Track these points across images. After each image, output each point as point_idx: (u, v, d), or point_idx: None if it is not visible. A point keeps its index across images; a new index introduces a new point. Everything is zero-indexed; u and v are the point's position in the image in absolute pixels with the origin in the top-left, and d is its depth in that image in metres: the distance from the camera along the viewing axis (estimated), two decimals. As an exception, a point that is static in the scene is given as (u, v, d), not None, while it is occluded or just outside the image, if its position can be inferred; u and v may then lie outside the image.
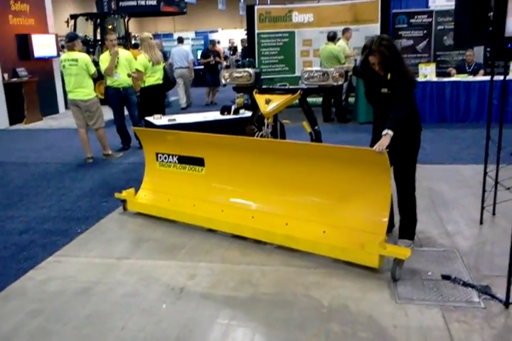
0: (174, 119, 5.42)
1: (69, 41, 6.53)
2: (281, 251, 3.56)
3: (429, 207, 4.37)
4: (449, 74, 8.74)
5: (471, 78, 8.50)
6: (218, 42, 16.16)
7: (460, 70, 8.81)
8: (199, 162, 4.21)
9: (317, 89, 4.33)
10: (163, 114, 6.36)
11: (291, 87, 4.49)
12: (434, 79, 8.51)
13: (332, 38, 9.01)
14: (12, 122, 10.09)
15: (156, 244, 3.86)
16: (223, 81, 4.71)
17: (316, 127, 4.37)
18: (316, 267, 3.32)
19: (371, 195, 3.29)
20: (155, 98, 7.03)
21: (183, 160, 4.32)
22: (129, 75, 6.90)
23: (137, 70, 6.88)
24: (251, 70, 4.57)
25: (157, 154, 4.50)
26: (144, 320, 2.79)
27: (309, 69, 4.30)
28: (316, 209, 3.56)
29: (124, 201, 4.56)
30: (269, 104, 4.18)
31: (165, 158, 4.45)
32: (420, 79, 8.52)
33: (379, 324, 2.65)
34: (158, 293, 3.08)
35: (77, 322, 2.80)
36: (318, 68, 4.47)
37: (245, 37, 13.85)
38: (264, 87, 4.60)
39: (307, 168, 3.58)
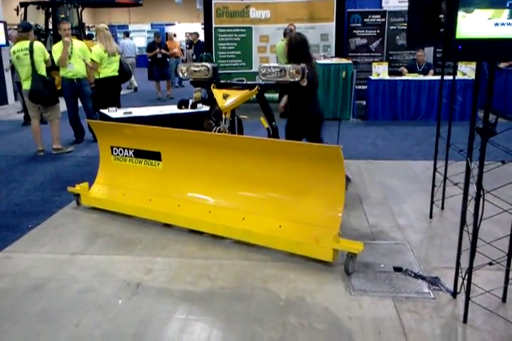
0: (130, 112, 5.34)
1: (23, 31, 6.32)
2: (239, 245, 3.58)
3: (381, 201, 4.50)
4: (400, 74, 8.99)
5: (421, 77, 8.79)
6: (174, 35, 15.93)
7: (411, 70, 9.09)
8: (156, 156, 4.16)
9: (274, 85, 4.37)
10: (119, 106, 6.25)
11: (248, 82, 4.50)
12: (387, 77, 8.74)
13: (286, 34, 9.06)
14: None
15: (111, 239, 3.79)
16: (181, 75, 4.66)
17: (273, 123, 4.41)
18: (273, 261, 3.36)
19: (325, 190, 3.36)
20: (110, 90, 6.88)
21: (139, 154, 4.26)
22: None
23: (92, 61, 6.70)
24: (209, 65, 4.54)
25: (112, 148, 4.41)
26: (99, 317, 2.74)
27: (266, 65, 4.33)
28: (272, 204, 3.60)
29: (77, 195, 4.45)
30: (226, 99, 4.17)
31: (120, 151, 4.37)
32: (373, 77, 8.74)
33: (334, 315, 2.72)
34: (114, 289, 3.03)
35: (29, 320, 2.72)
36: (276, 64, 4.51)
37: (194, 31, 13.76)
38: (222, 81, 4.59)
39: (264, 164, 3.60)
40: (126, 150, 4.34)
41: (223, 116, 4.23)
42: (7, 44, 10.59)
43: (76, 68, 6.68)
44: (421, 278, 3.08)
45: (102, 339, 2.55)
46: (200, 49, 12.31)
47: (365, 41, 10.16)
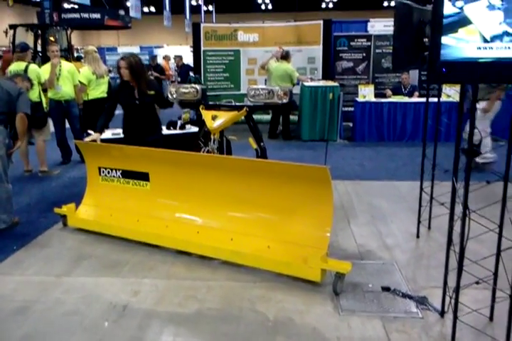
0: (118, 133, 5.32)
1: (21, 51, 6.37)
2: (227, 266, 3.56)
3: (369, 222, 4.52)
4: (385, 96, 9.15)
5: (406, 99, 8.94)
6: (167, 57, 16.08)
7: (396, 92, 9.25)
8: (144, 177, 4.15)
9: (263, 106, 4.43)
10: (107, 127, 6.25)
11: (237, 103, 4.56)
12: (373, 99, 8.88)
13: (286, 56, 9.22)
14: None
15: (97, 260, 3.75)
16: (170, 96, 4.70)
17: (262, 143, 4.45)
18: (261, 281, 3.34)
19: (313, 210, 3.37)
20: (98, 111, 6.87)
21: (127, 174, 4.25)
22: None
23: (80, 83, 6.73)
24: (198, 86, 4.60)
25: (100, 168, 4.40)
26: (84, 339, 2.70)
27: (255, 87, 4.41)
28: (260, 225, 3.60)
29: (63, 216, 4.40)
30: (215, 120, 4.22)
31: (108, 172, 4.36)
32: (360, 99, 8.88)
33: (323, 336, 2.70)
34: (100, 311, 2.99)
35: (13, 344, 2.66)
36: (264, 86, 4.61)
37: (178, 54, 13.96)
38: (210, 103, 4.65)
39: (252, 184, 3.62)
40: (114, 171, 4.32)
41: (212, 137, 4.26)
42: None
43: (64, 90, 6.70)
44: (409, 298, 3.08)
45: (87, 363, 2.50)
46: (185, 72, 12.44)
47: (351, 64, 10.35)
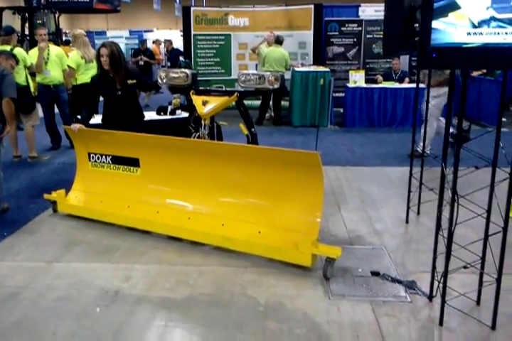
0: (108, 119, 5.28)
1: (5, 35, 6.25)
2: (218, 251, 3.57)
3: (359, 207, 4.56)
4: (376, 81, 9.14)
5: (397, 85, 8.94)
6: (157, 41, 15.86)
7: (387, 78, 9.24)
8: (134, 162, 4.14)
9: (253, 91, 4.40)
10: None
11: (228, 89, 4.53)
12: (364, 85, 8.87)
13: (281, 41, 9.16)
14: None
15: (88, 246, 3.75)
16: (159, 81, 4.65)
17: (253, 129, 4.44)
18: (252, 266, 3.36)
19: (304, 195, 3.39)
20: (88, 95, 6.80)
21: (117, 160, 4.23)
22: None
23: (69, 67, 6.64)
24: (188, 71, 4.55)
25: (89, 154, 4.37)
26: (76, 325, 2.71)
27: (246, 72, 4.37)
28: (251, 210, 3.61)
29: (53, 202, 4.38)
30: (206, 105, 4.19)
31: (98, 158, 4.33)
32: (350, 85, 8.86)
33: (313, 320, 2.74)
34: (92, 297, 3.00)
35: (3, 330, 2.67)
36: (255, 71, 4.58)
37: (167, 38, 13.76)
38: (201, 88, 4.61)
39: (243, 170, 3.62)
40: (103, 157, 4.30)
41: (202, 123, 4.23)
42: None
43: (53, 74, 6.61)
44: (398, 282, 3.13)
45: (79, 348, 2.51)
46: (175, 56, 12.31)
47: (342, 49, 10.31)
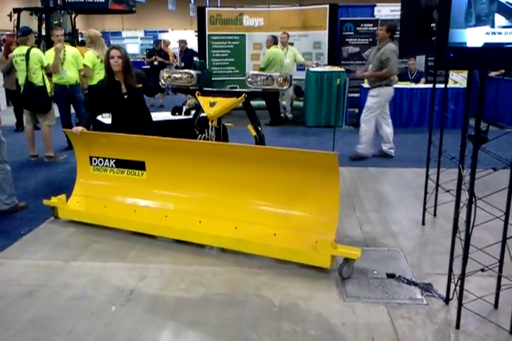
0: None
1: (22, 35, 6.36)
2: (232, 251, 3.57)
3: (374, 208, 4.53)
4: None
5: (413, 85, 8.87)
6: (166, 42, 15.97)
7: (403, 78, 9.16)
8: (139, 166, 4.05)
9: (261, 92, 4.27)
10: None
11: (235, 90, 4.47)
12: (379, 85, 8.79)
13: (276, 42, 9.17)
14: None
15: (104, 245, 3.77)
16: (162, 81, 4.52)
17: (260, 130, 4.36)
18: (266, 267, 3.36)
19: (320, 196, 3.36)
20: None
21: (121, 164, 4.13)
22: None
23: (85, 66, 6.70)
24: (193, 71, 4.43)
25: (91, 158, 4.26)
26: (92, 323, 2.73)
27: (255, 72, 4.27)
28: (265, 212, 3.57)
29: (53, 208, 4.23)
30: (213, 106, 4.10)
31: (100, 161, 4.22)
32: (366, 85, 8.79)
33: (328, 322, 2.73)
34: (107, 296, 3.02)
35: (21, 327, 2.70)
36: (264, 72, 4.46)
37: (182, 39, 13.72)
38: (207, 89, 4.51)
39: (256, 171, 3.56)
40: (106, 161, 4.19)
41: (210, 124, 4.14)
42: None
43: (69, 74, 6.67)
44: (414, 285, 3.10)
45: (95, 346, 2.53)
46: (188, 57, 12.31)
47: (357, 49, 10.24)
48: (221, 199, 3.74)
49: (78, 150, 4.34)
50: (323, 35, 10.20)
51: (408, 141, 7.44)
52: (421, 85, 8.85)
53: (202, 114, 4.50)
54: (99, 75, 6.83)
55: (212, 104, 4.11)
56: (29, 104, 6.32)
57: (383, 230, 4.02)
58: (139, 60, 19.99)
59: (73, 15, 13.60)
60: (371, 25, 10.10)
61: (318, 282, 3.16)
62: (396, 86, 8.76)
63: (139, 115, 4.42)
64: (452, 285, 2.76)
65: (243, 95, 4.17)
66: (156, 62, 12.60)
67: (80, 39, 14.44)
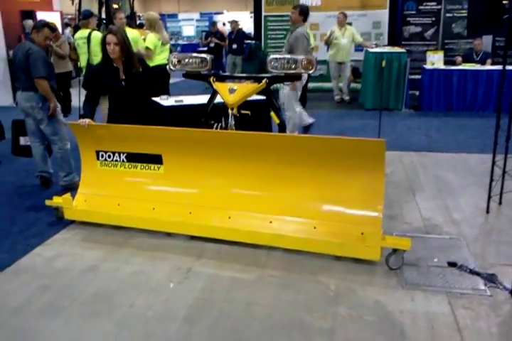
0: (181, 100, 5.37)
1: (83, 18, 6.54)
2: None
3: (435, 195, 4.37)
4: (455, 63, 8.68)
5: (478, 67, 8.43)
6: (224, 24, 15.96)
7: (467, 59, 8.74)
8: (155, 159, 3.73)
9: (284, 77, 3.99)
10: (169, 94, 6.32)
11: (254, 75, 4.23)
12: (442, 67, 8.44)
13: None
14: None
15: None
16: (171, 67, 4.20)
17: (282, 117, 4.10)
18: (322, 252, 3.32)
19: (364, 186, 3.17)
20: (161, 78, 6.96)
21: (134, 158, 3.80)
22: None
23: (147, 48, 6.81)
24: (207, 56, 4.10)
25: (98, 152, 3.90)
26: (151, 299, 2.81)
27: (277, 56, 3.91)
28: (303, 205, 3.36)
29: (56, 209, 3.89)
30: (233, 93, 3.82)
31: (109, 156, 3.87)
32: (428, 66, 8.47)
33: (385, 308, 2.67)
34: (166, 273, 3.10)
35: (85, 299, 2.82)
36: (287, 55, 4.13)
37: (233, 19, 13.44)
38: (222, 74, 4.27)
39: (292, 161, 3.33)
40: (116, 155, 3.85)
41: (230, 112, 3.85)
42: (62, 33, 10.92)
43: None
44: (477, 275, 2.98)
45: (154, 320, 2.61)
46: (240, 38, 12.12)
47: (419, 29, 9.84)
48: (251, 192, 3.50)
49: (82, 144, 3.96)
50: (383, 15, 9.87)
51: (472, 126, 7.12)
52: (487, 67, 8.40)
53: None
54: (159, 56, 6.95)
55: (232, 91, 3.82)
56: None
57: (444, 217, 3.87)
58: (194, 42, 20.12)
59: (132, -1, 13.79)
60: (434, 3, 9.65)
61: (376, 268, 3.09)
62: (460, 67, 8.43)
63: (138, 104, 4.13)
64: (519, 277, 2.64)
65: (264, 80, 3.87)
66: (212, 44, 12.57)
67: (137, 22, 14.67)
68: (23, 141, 5.04)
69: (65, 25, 11.66)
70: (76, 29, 10.46)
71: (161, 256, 3.32)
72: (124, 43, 3.92)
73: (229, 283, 2.97)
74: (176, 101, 5.36)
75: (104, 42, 3.91)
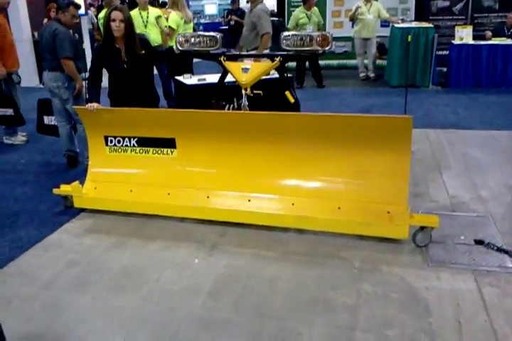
0: (204, 79, 5.35)
1: None
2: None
3: (462, 172, 4.29)
4: (484, 38, 8.39)
5: (510, 42, 8.14)
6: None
7: (498, 33, 8.43)
8: (168, 143, 3.60)
9: (298, 56, 3.87)
10: (192, 73, 6.29)
11: (266, 52, 4.11)
12: (471, 42, 8.18)
13: None
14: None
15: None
16: (178, 46, 4.06)
17: (296, 96, 3.99)
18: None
19: (389, 164, 3.10)
20: (184, 57, 6.92)
21: (145, 142, 3.66)
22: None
23: (170, 27, 6.78)
24: (217, 34, 3.98)
25: (106, 138, 3.76)
26: (177, 274, 2.86)
27: (290, 33, 3.76)
28: (326, 185, 3.29)
29: (64, 197, 3.79)
30: (247, 72, 3.70)
31: (118, 141, 3.73)
32: (456, 42, 8.22)
33: (410, 285, 2.66)
34: (190, 249, 3.14)
35: (113, 274, 2.88)
36: (299, 32, 3.92)
37: None
38: (232, 53, 4.14)
39: (313, 141, 3.23)
40: (126, 140, 3.71)
41: (243, 92, 3.73)
42: (86, 14, 10.92)
43: (151, 36, 6.78)
44: (504, 252, 2.93)
45: (180, 295, 2.66)
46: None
47: (447, 3, 9.52)
48: (271, 174, 3.40)
49: (89, 129, 3.82)
50: (409, -12, 9.57)
51: (501, 102, 6.92)
52: (519, 41, 8.10)
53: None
54: (181, 35, 6.90)
55: (245, 70, 3.70)
56: None
57: (472, 195, 3.80)
58: (217, 21, 19.89)
59: (154, -23, 13.66)
60: (464, -25, 9.30)
61: (401, 245, 3.07)
62: (490, 42, 8.15)
63: (141, 88, 3.97)
64: (549, 255, 2.58)
65: (278, 58, 3.75)
66: (232, 22, 12.26)
67: (160, 1, 14.56)
68: (46, 120, 5.13)
69: (88, 6, 11.62)
70: (99, 9, 10.53)
71: (186, 233, 3.36)
72: (129, 22, 3.75)
73: (252, 259, 2.99)
74: (199, 79, 5.34)
75: (108, 20, 3.71)
